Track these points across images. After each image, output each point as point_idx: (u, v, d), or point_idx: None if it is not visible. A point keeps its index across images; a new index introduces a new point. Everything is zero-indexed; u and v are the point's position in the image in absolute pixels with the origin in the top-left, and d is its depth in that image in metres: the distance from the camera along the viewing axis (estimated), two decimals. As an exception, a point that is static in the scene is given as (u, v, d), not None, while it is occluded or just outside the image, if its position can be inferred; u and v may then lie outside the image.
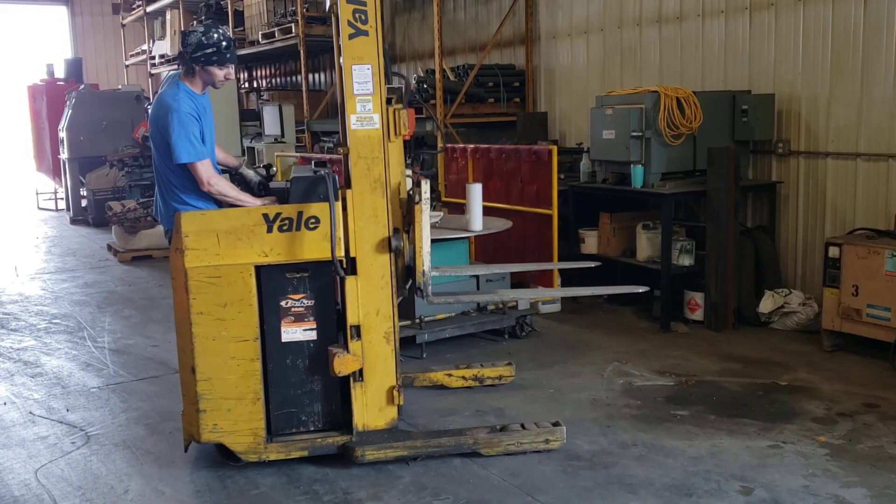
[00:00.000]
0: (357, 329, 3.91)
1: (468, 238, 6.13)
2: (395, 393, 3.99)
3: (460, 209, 6.46)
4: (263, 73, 17.11)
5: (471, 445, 3.98)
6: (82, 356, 5.88)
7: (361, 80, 3.84)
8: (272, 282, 3.86)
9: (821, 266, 5.65)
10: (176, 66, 4.15)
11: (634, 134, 6.15)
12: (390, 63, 6.21)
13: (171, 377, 5.34)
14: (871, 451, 3.96)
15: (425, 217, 3.91)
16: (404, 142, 6.17)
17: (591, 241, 6.90)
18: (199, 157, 3.94)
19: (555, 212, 6.29)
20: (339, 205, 3.82)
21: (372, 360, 3.95)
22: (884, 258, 5.12)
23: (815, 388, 4.82)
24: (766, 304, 5.99)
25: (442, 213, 6.39)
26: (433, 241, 5.62)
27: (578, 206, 6.95)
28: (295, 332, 3.91)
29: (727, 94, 6.43)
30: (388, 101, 5.55)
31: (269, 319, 3.88)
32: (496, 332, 6.01)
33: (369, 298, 3.92)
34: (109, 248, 10.24)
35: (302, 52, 11.01)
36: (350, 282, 3.89)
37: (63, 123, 12.86)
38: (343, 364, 3.84)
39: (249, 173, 4.44)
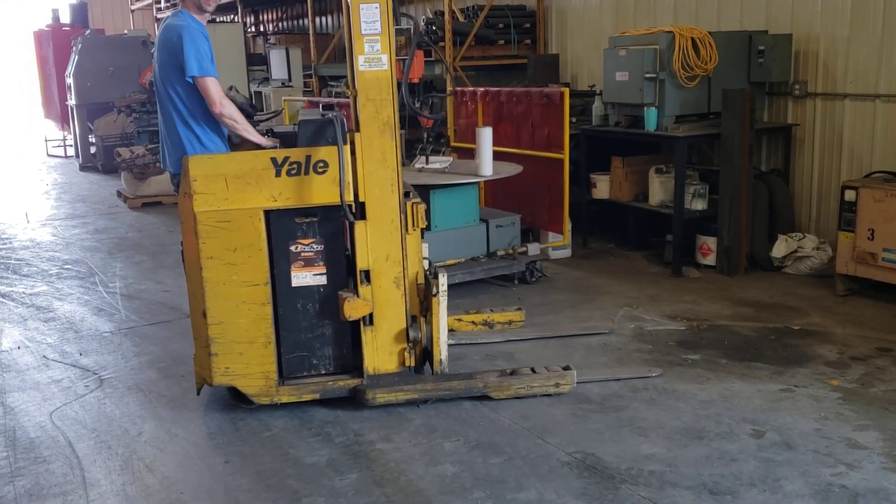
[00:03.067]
0: (367, 274, 3.91)
1: (478, 183, 6.07)
2: (408, 342, 4.00)
3: (470, 154, 6.38)
4: (270, 16, 16.84)
5: (481, 389, 3.99)
6: (94, 301, 5.91)
7: (369, 19, 3.75)
8: (281, 226, 3.85)
9: (836, 210, 5.57)
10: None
11: (648, 75, 6.02)
12: (398, 4, 6.07)
13: (183, 322, 5.36)
14: (884, 395, 3.94)
15: (442, 308, 3.93)
16: (412, 84, 6.09)
17: (602, 186, 6.83)
18: (211, 73, 3.87)
19: (566, 156, 6.20)
20: (347, 148, 3.76)
21: (382, 304, 3.95)
22: (901, 201, 5.04)
23: (828, 332, 4.80)
24: (780, 249, 5.93)
25: (451, 159, 6.32)
26: (441, 186, 5.61)
27: (590, 150, 6.85)
28: (305, 277, 3.90)
29: (743, 35, 6.26)
30: (399, 48, 5.41)
31: (279, 264, 3.87)
32: (506, 278, 5.99)
33: (379, 243, 3.91)
34: (119, 194, 10.23)
35: (309, -7, 10.81)
36: (359, 226, 3.86)
37: (70, 69, 12.74)
38: (353, 308, 3.83)
39: (238, 97, 4.30)
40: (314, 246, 3.88)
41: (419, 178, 5.69)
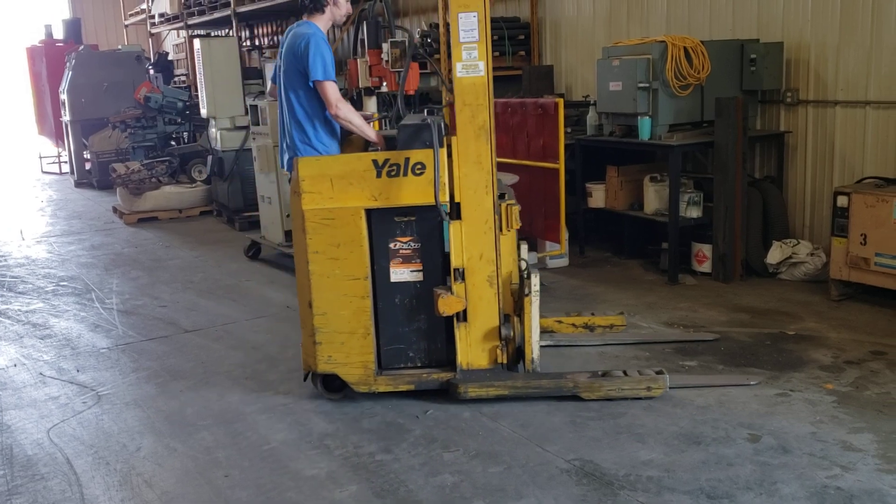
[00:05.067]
0: (461, 272, 4.06)
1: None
2: (500, 339, 4.11)
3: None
4: (265, 30, 16.90)
5: (571, 389, 4.05)
6: (91, 318, 5.92)
7: (467, 27, 3.92)
8: (381, 225, 4.08)
9: (829, 216, 5.61)
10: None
11: (641, 85, 6.07)
12: (393, 17, 6.10)
13: (180, 337, 5.38)
14: (878, 398, 3.97)
15: (535, 308, 4.05)
16: (407, 97, 6.12)
17: (598, 195, 6.86)
18: (332, 78, 4.19)
19: (561, 166, 6.22)
20: (444, 151, 3.95)
21: (475, 302, 4.09)
22: (892, 206, 5.08)
23: (823, 336, 4.82)
24: (774, 255, 5.96)
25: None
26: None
27: (585, 159, 6.89)
28: (402, 273, 4.12)
29: (735, 43, 6.32)
30: (394, 60, 5.52)
31: (379, 260, 4.10)
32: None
33: (473, 242, 4.06)
34: (115, 210, 10.24)
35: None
36: (454, 226, 4.03)
37: (64, 85, 12.77)
38: (447, 305, 4.00)
39: None
40: (412, 244, 4.10)
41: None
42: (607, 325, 4.94)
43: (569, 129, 7.09)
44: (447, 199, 3.99)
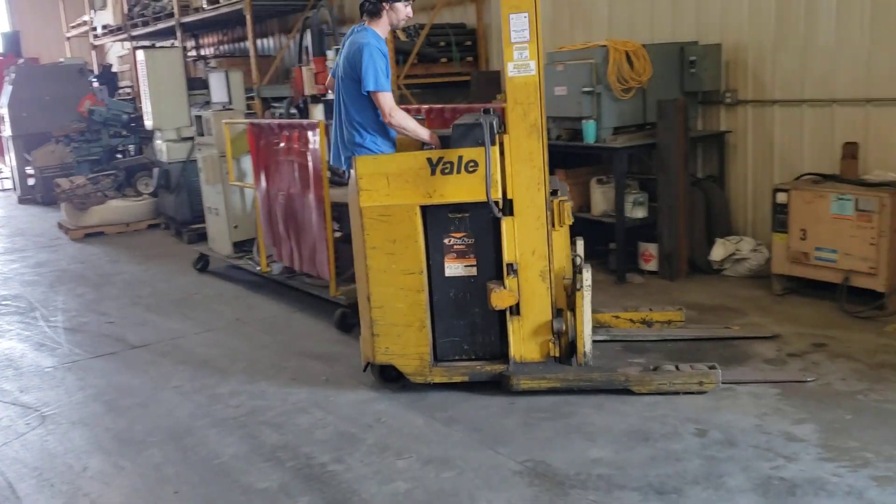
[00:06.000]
0: (513, 267, 4.16)
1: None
2: (553, 333, 4.21)
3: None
4: (210, 40, 16.71)
5: (622, 382, 4.11)
6: (35, 336, 5.78)
7: (518, 28, 4.01)
8: (436, 221, 4.20)
9: (770, 212, 5.75)
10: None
11: (585, 89, 6.15)
12: (336, 24, 6.11)
13: (128, 353, 5.29)
14: (820, 389, 4.07)
15: (586, 303, 4.15)
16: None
17: (546, 198, 6.91)
18: (385, 88, 4.23)
19: (509, 170, 6.27)
20: (496, 149, 4.05)
21: (528, 296, 4.18)
22: (829, 202, 5.23)
23: (767, 330, 4.93)
24: (718, 252, 6.09)
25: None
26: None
27: (532, 163, 6.93)
28: (457, 268, 4.23)
29: (675, 46, 6.44)
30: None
31: (434, 255, 4.22)
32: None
33: (525, 238, 4.15)
34: (60, 226, 10.02)
35: (248, 17, 10.75)
36: (507, 222, 4.13)
37: (4, 100, 12.46)
38: (500, 299, 4.11)
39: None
40: (465, 239, 4.21)
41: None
42: (665, 321, 5.02)
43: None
44: (500, 195, 4.09)
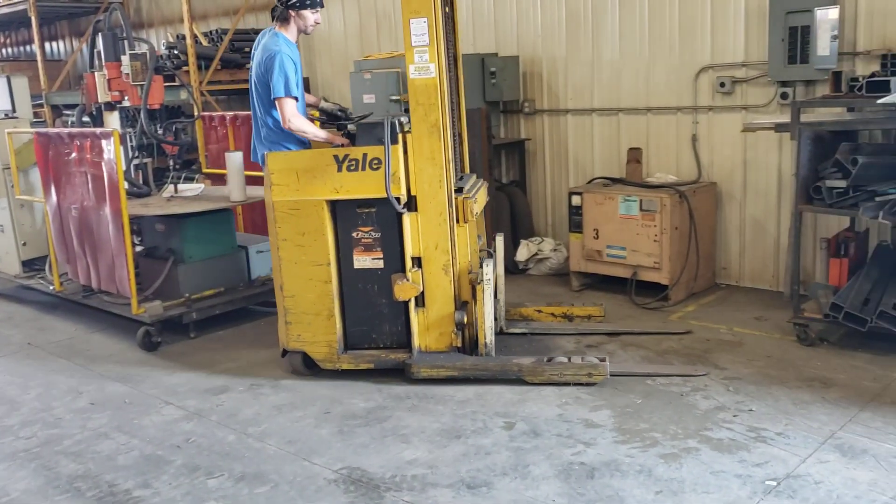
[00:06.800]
0: (418, 260, 4.35)
1: (232, 209, 5.96)
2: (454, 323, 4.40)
3: (223, 180, 6.23)
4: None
5: (515, 372, 4.29)
6: None
7: (418, 32, 4.16)
8: (345, 215, 4.39)
9: (566, 214, 6.14)
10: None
11: (393, 98, 6.26)
12: (131, 28, 5.81)
13: None
14: (614, 376, 4.39)
15: (487, 296, 4.34)
16: (152, 111, 5.84)
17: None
18: (288, 93, 4.42)
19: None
20: (398, 147, 4.22)
21: (432, 289, 4.38)
22: (618, 203, 5.67)
23: (566, 324, 5.25)
24: (522, 253, 6.42)
25: (203, 186, 6.15)
26: (192, 214, 5.45)
27: (344, 171, 6.95)
28: (365, 261, 4.41)
29: (477, 57, 6.71)
30: (135, 73, 5.33)
31: (344, 248, 4.42)
32: (271, 304, 5.92)
33: (428, 233, 4.33)
34: None
35: (34, 18, 9.99)
36: (411, 217, 4.31)
37: None
38: (402, 291, 4.31)
39: (327, 105, 4.89)
40: (372, 233, 4.38)
41: (169, 207, 5.48)
42: (585, 316, 5.18)
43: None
44: (403, 192, 4.24)
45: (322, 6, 4.72)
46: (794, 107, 4.68)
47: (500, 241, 4.96)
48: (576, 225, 5.90)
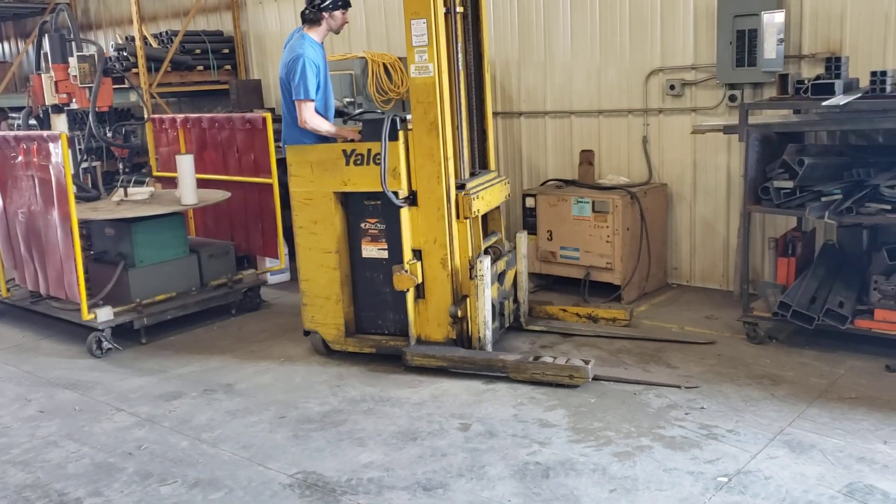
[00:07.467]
0: (418, 253, 4.51)
1: (184, 213, 5.88)
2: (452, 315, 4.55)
3: (174, 183, 6.15)
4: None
5: (500, 368, 4.39)
6: None
7: (418, 32, 4.29)
8: (356, 206, 4.66)
9: (521, 216, 6.18)
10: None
11: (347, 100, 6.24)
12: (79, 29, 5.70)
13: None
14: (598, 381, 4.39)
15: (481, 290, 4.46)
16: (101, 114, 5.74)
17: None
18: (305, 96, 4.70)
19: (275, 180, 6.21)
20: (397, 144, 4.38)
21: (431, 281, 4.54)
22: (570, 204, 5.73)
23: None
24: (479, 255, 6.43)
25: (153, 189, 6.05)
26: (142, 218, 5.37)
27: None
28: (371, 250, 4.68)
29: (431, 59, 6.72)
30: (83, 75, 5.26)
31: (353, 238, 4.70)
32: (224, 308, 5.87)
33: (427, 227, 4.49)
34: None
35: (-25, 16, 9.73)
36: (410, 211, 4.49)
37: None
38: (400, 281, 4.48)
39: (336, 103, 5.15)
40: (378, 225, 4.62)
41: (118, 211, 5.38)
42: (610, 318, 5.19)
43: (280, 144, 7.08)
44: (404, 187, 4.41)
45: (351, 6, 4.95)
46: (742, 109, 4.78)
47: (521, 238, 5.06)
48: (530, 226, 5.95)
